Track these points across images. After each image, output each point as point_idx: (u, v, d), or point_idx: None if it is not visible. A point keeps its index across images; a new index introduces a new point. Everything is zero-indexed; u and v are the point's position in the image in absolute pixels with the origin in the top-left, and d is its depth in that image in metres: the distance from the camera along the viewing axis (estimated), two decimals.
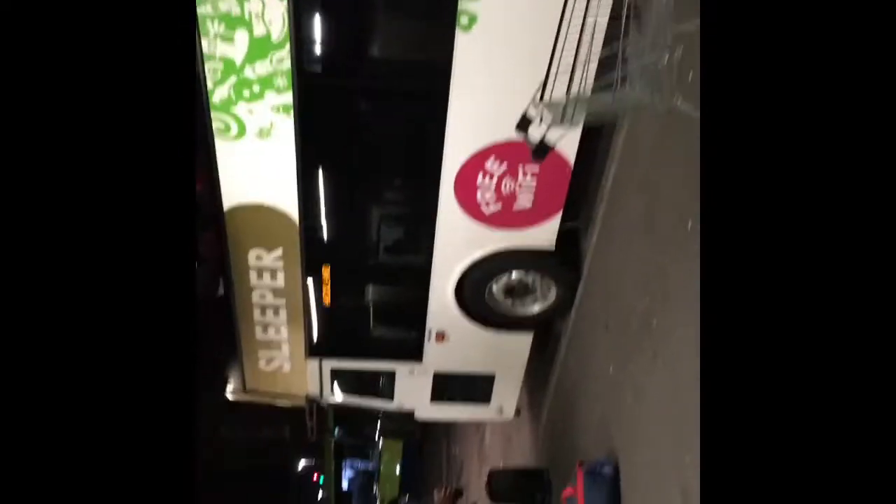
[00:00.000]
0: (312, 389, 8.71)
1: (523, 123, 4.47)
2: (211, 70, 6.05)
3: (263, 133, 6.43)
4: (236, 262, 7.41)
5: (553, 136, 4.75)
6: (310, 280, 7.61)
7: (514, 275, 7.60)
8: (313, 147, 6.59)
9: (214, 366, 9.03)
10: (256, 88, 6.17)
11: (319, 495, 28.01)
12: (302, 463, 27.78)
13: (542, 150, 4.70)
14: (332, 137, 6.74)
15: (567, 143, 6.45)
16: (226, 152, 6.56)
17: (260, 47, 5.91)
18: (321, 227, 7.23)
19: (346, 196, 7.19)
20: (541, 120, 4.43)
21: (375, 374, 8.77)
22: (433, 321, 7.96)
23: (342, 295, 7.85)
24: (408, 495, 14.99)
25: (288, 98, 6.22)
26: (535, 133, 4.77)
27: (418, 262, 7.53)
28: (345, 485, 24.22)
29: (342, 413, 10.60)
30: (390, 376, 8.67)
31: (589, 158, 6.96)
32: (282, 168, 6.66)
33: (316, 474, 27.37)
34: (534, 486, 8.15)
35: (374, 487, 22.25)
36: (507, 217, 7.03)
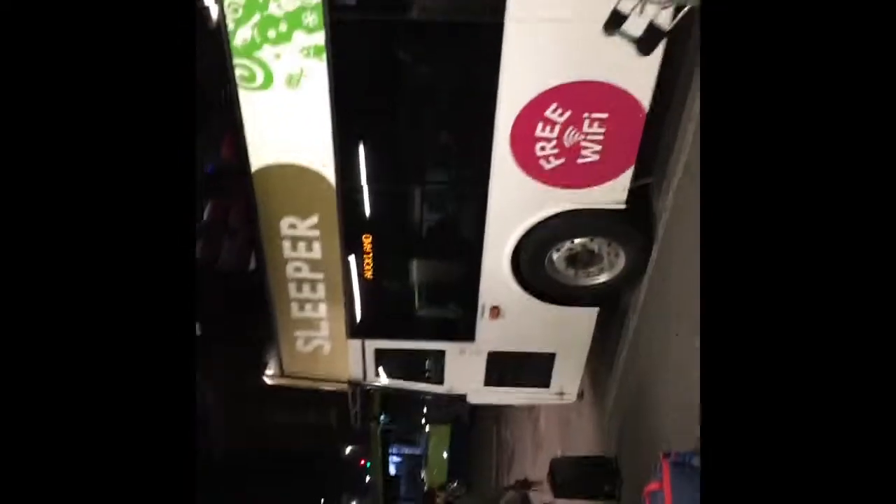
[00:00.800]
0: (355, 373, 8.08)
1: (615, 20, 3.55)
2: (231, 7, 5.24)
3: (293, 80, 5.63)
4: (267, 232, 6.71)
5: (662, 19, 3.82)
6: (350, 252, 6.89)
7: (578, 241, 6.79)
8: (349, 96, 5.78)
9: (251, 348, 8.50)
10: (283, 27, 5.36)
11: (367, 479, 27.80)
12: (348, 449, 27.52)
13: (654, 38, 3.73)
14: (370, 84, 5.92)
15: (640, 81, 5.53)
16: (251, 105, 5.80)
17: None
18: (361, 189, 6.44)
19: (388, 153, 6.41)
20: (640, 9, 3.51)
21: (423, 356, 8.16)
22: (486, 296, 7.26)
23: (386, 267, 7.16)
24: (456, 481, 14.36)
25: (319, 38, 5.41)
26: (632, 27, 3.82)
27: (469, 229, 6.83)
28: (392, 470, 24.05)
29: (388, 397, 9.90)
30: (439, 357, 8.03)
31: (665, 101, 6.01)
32: (315, 121, 5.89)
33: (363, 459, 27.17)
34: (601, 477, 7.32)
35: (422, 472, 21.93)
36: (570, 173, 6.17)
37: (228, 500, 18.48)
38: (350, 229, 6.68)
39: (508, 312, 7.35)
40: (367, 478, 27.26)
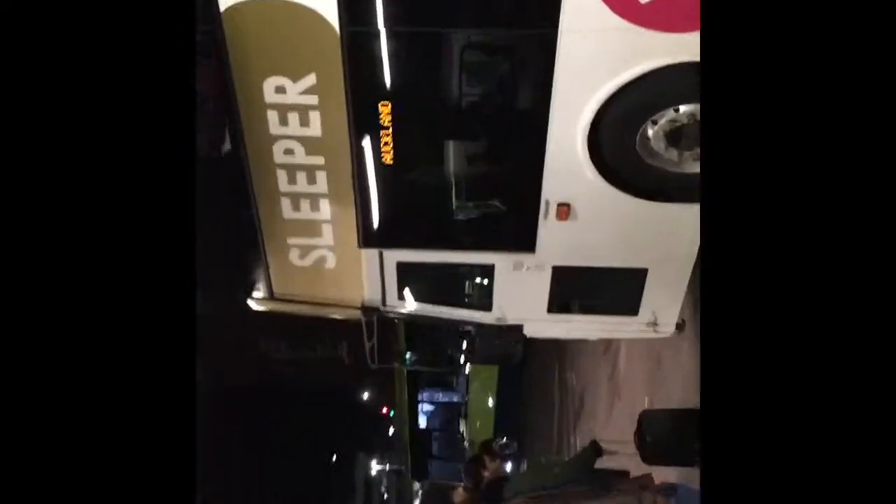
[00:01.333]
0: (371, 294, 7.89)
1: None
2: None
3: None
4: (246, 99, 6.37)
5: None
6: (362, 127, 6.53)
7: (685, 109, 6.36)
8: None
9: (233, 261, 8.40)
10: None
11: (390, 432, 28.14)
12: (366, 393, 27.77)
13: None
14: None
15: None
16: None
17: None
18: (376, 34, 5.99)
19: None
20: None
21: (463, 272, 8.00)
22: (551, 189, 6.94)
23: (412, 148, 6.81)
24: (504, 438, 14.28)
25: None
26: None
27: (528, 93, 6.49)
28: (422, 422, 24.10)
29: (416, 327, 9.64)
30: (486, 274, 7.81)
31: None
32: None
33: (385, 406, 27.39)
34: None
35: (461, 425, 22.04)
36: (674, 10, 5.71)
37: (221, 448, 18.86)
38: (361, 94, 6.29)
39: (582, 212, 7.06)
40: (391, 430, 27.52)
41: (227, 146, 6.80)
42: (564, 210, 6.99)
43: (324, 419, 25.51)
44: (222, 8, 5.76)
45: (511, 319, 8.12)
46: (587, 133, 6.40)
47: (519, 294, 7.84)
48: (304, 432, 24.72)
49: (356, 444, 29.89)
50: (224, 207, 7.28)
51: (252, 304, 8.08)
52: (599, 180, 6.74)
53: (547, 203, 6.98)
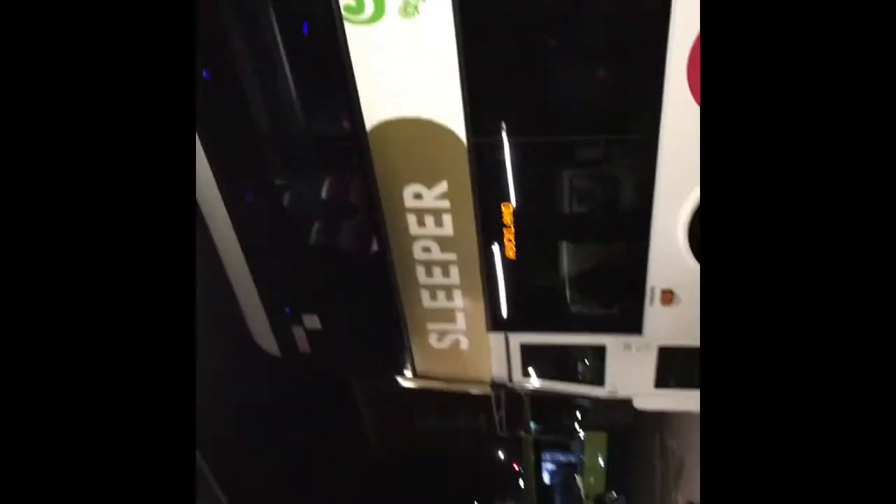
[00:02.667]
0: (499, 372, 7.01)
1: None
2: None
3: (408, 8, 4.50)
4: (389, 205, 5.73)
5: None
6: (487, 226, 5.83)
7: None
8: (481, 23, 4.63)
9: (385, 344, 7.54)
10: None
11: (521, 483, 27.16)
12: (500, 453, 26.96)
13: None
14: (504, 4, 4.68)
15: None
16: (360, 43, 4.70)
17: None
18: (499, 145, 5.28)
19: (532, 96, 5.24)
20: None
21: (579, 352, 7.01)
22: (657, 277, 6.09)
23: (532, 243, 6.04)
24: (614, 493, 13.08)
25: None
26: None
27: (635, 191, 5.66)
28: (546, 478, 23.21)
29: (540, 400, 8.75)
30: (599, 354, 6.83)
31: None
32: (438, 60, 4.80)
33: (515, 462, 26.52)
34: None
35: (578, 482, 20.93)
36: None
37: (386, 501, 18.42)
38: (487, 197, 5.59)
39: (684, 296, 6.13)
40: (521, 481, 26.63)
41: (374, 247, 6.17)
42: (668, 296, 6.09)
43: (467, 473, 24.81)
44: (368, 128, 5.22)
45: (621, 393, 7.11)
46: (688, 225, 5.52)
47: (628, 371, 6.85)
48: (452, 483, 24.05)
49: (493, 491, 29.00)
50: (373, 300, 6.67)
51: (401, 381, 7.36)
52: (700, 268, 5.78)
53: (652, 290, 6.10)
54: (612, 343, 6.62)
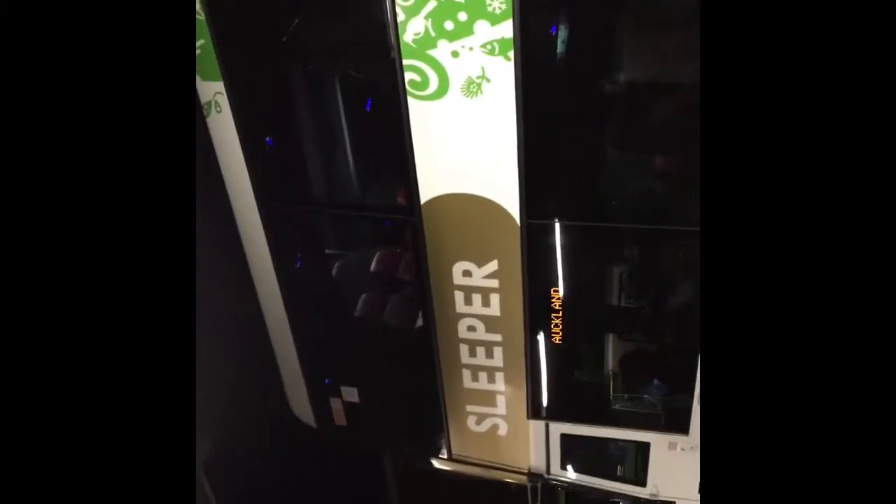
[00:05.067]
0: (536, 462, 6.65)
1: None
2: None
3: (472, 87, 4.46)
4: (437, 281, 5.56)
5: None
6: (535, 309, 5.56)
7: None
8: (542, 104, 4.54)
9: (422, 423, 7.27)
10: (463, 17, 4.25)
11: None
12: None
13: None
14: (568, 86, 4.60)
15: None
16: (421, 118, 4.66)
17: None
18: (552, 227, 5.09)
19: (588, 179, 5.07)
20: None
21: (622, 447, 6.57)
22: None
23: (580, 331, 5.73)
24: None
25: (507, 28, 4.21)
26: None
27: (681, 288, 5.41)
28: None
29: (576, 496, 8.29)
30: (642, 451, 6.43)
31: None
32: (497, 139, 4.69)
33: None
34: None
35: None
36: None
37: None
38: (536, 280, 5.36)
39: None
40: None
41: (419, 322, 6.00)
42: None
43: None
44: (423, 202, 5.14)
45: (663, 495, 6.65)
46: None
47: (672, 472, 6.42)
48: None
49: None
50: (414, 376, 6.46)
51: (435, 462, 7.05)
52: None
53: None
54: (656, 441, 6.23)
